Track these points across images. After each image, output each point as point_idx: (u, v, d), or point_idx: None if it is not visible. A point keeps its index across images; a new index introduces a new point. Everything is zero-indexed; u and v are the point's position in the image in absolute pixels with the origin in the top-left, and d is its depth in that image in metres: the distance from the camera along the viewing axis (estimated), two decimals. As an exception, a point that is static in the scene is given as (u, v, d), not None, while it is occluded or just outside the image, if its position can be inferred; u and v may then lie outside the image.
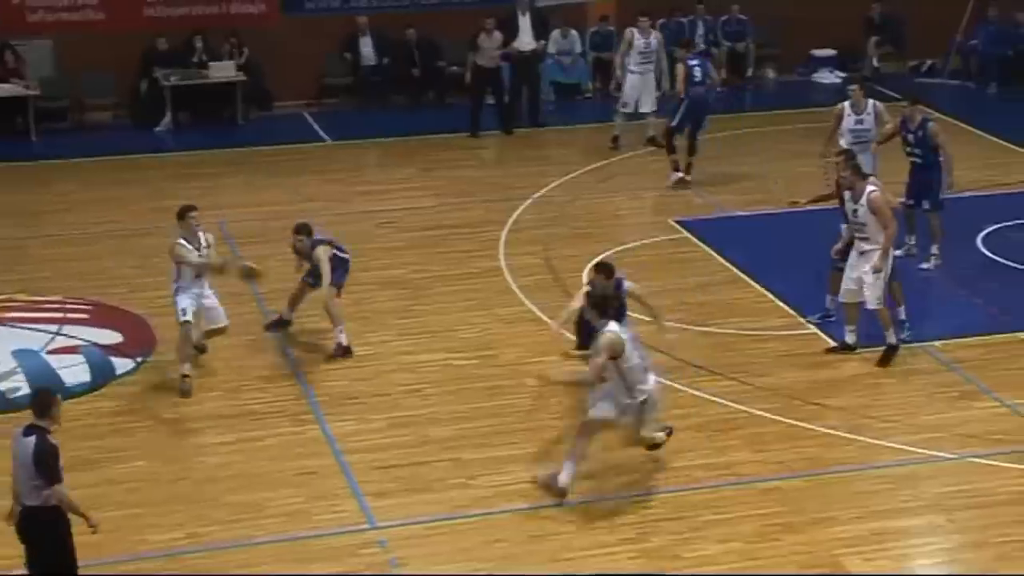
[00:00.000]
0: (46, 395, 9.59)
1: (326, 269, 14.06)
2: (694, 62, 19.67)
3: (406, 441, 12.69)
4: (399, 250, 17.38)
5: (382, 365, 14.26)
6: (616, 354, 11.26)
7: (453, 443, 12.63)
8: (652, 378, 11.66)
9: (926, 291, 15.82)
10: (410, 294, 16.02)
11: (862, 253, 13.87)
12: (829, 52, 25.30)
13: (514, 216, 18.39)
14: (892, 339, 14.07)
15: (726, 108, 23.44)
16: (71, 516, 9.47)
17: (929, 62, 25.53)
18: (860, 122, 16.80)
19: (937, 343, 14.51)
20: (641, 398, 11.43)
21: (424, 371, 14.12)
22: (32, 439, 9.21)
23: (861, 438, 12.72)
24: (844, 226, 14.39)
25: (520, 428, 12.88)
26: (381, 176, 20.67)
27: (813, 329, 14.87)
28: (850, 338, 14.23)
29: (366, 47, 23.56)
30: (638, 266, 16.63)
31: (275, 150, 21.69)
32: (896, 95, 22.36)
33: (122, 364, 14.22)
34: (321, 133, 22.64)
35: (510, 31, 22.17)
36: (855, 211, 13.79)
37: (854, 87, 17.08)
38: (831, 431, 12.81)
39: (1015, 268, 16.31)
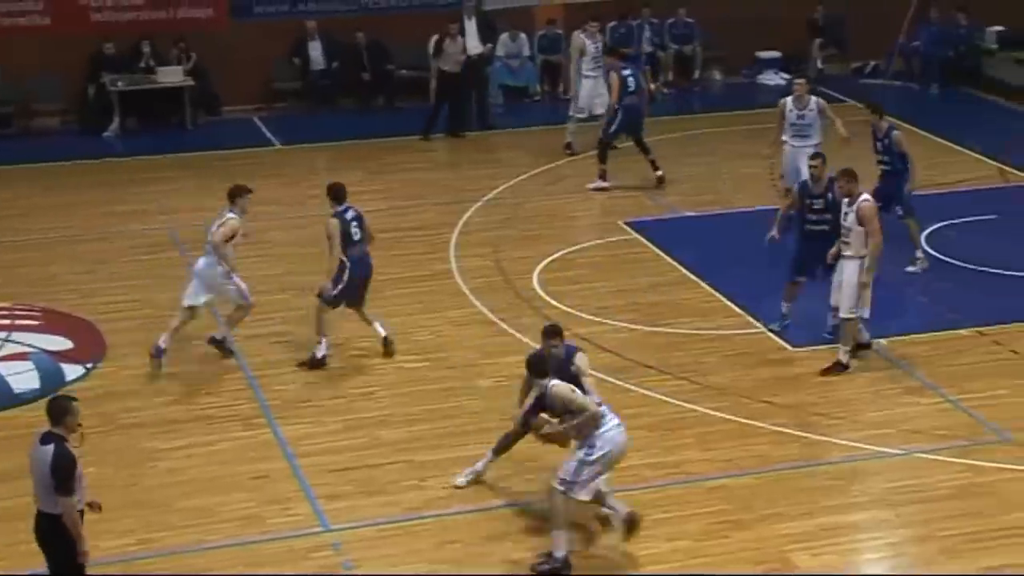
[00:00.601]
0: (60, 402, 9.38)
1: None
2: (628, 71, 19.72)
3: (359, 444, 12.69)
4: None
5: (335, 368, 14.24)
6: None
7: (406, 445, 12.63)
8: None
9: (871, 289, 15.92)
10: (362, 297, 15.99)
11: (844, 257, 13.84)
12: (774, 54, 25.48)
13: (464, 218, 18.42)
14: (843, 358, 13.90)
15: (674, 110, 23.63)
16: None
17: (872, 63, 25.75)
18: (801, 116, 17.06)
19: (883, 341, 14.63)
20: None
21: (377, 374, 14.12)
22: (50, 447, 9.10)
23: (809, 435, 12.83)
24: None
25: (472, 430, 12.89)
26: (332, 179, 20.56)
27: (761, 328, 14.97)
28: (843, 357, 13.91)
29: (315, 51, 23.51)
30: (589, 267, 16.77)
31: (225, 154, 21.59)
32: (840, 96, 22.67)
33: (72, 371, 14.14)
34: (271, 137, 22.58)
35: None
36: (845, 215, 13.73)
37: (800, 81, 17.32)
38: (779, 429, 12.91)
39: (958, 266, 16.48)
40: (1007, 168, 20.11)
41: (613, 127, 19.49)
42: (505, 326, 15.08)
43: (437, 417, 13.16)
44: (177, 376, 13.97)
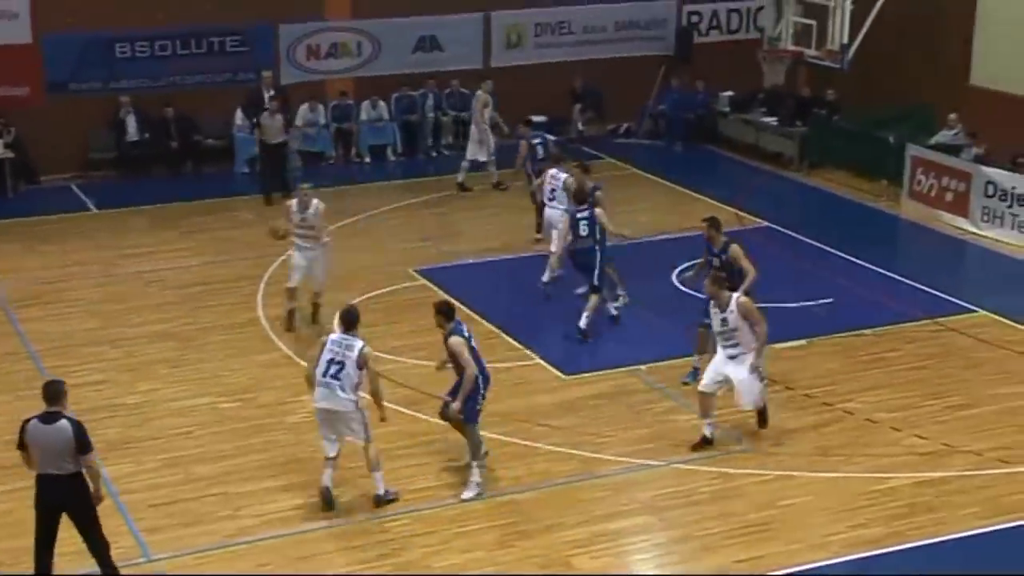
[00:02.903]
0: (57, 385, 10.13)
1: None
2: (536, 140, 19.88)
3: (177, 479, 12.34)
4: (166, 305, 16.94)
5: (153, 411, 13.84)
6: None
7: (220, 479, 12.33)
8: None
9: (631, 321, 16.19)
10: (177, 345, 15.61)
11: (732, 357, 12.66)
12: (541, 118, 25.73)
13: (269, 271, 18.11)
14: (707, 432, 12.95)
15: (455, 169, 23.68)
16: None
17: (625, 125, 26.25)
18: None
19: (643, 367, 14.86)
20: None
21: (192, 415, 13.76)
22: (64, 422, 9.94)
23: (582, 453, 12.93)
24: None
25: (282, 462, 12.68)
26: (147, 239, 20.06)
27: (538, 360, 15.07)
28: (707, 431, 12.91)
29: (130, 124, 22.91)
30: (384, 311, 16.65)
31: (45, 219, 20.80)
32: (599, 154, 23.09)
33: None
34: (88, 203, 21.86)
35: (258, 107, 21.91)
36: (723, 320, 12.66)
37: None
38: (556, 448, 12.98)
39: (702, 299, 16.75)
40: (741, 212, 20.71)
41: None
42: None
43: (249, 452, 12.89)
44: (2, 423, 13.35)
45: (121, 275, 18.14)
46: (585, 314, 15.55)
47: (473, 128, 22.48)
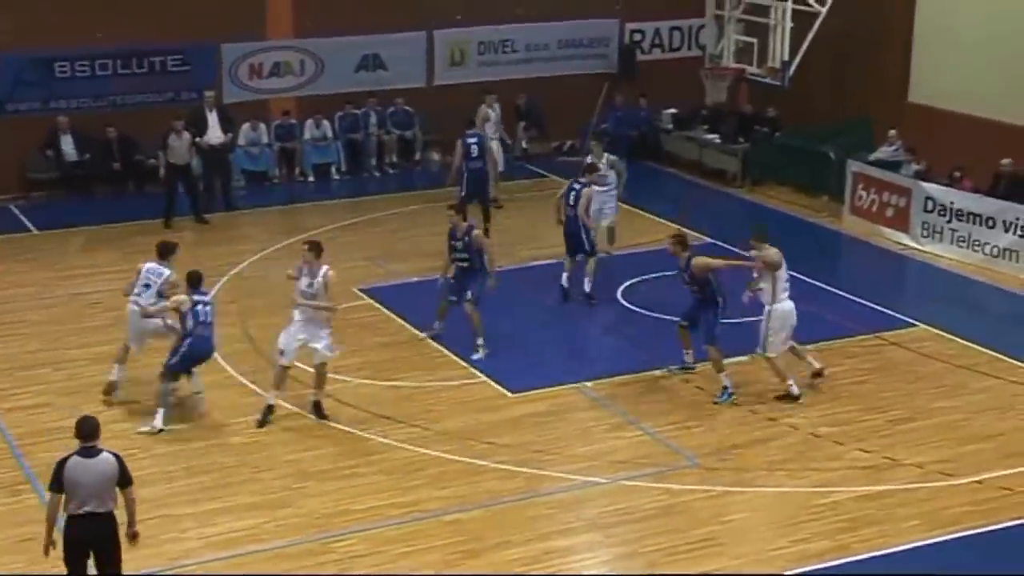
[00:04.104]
0: (93, 420, 10.11)
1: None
2: (472, 140, 20.06)
3: (121, 502, 12.18)
4: (106, 327, 16.76)
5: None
6: None
7: (164, 501, 12.25)
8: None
9: (576, 338, 16.26)
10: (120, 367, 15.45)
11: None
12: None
13: (213, 292, 17.98)
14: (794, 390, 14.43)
15: (397, 188, 23.74)
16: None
17: (569, 143, 26.38)
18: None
19: (589, 383, 14.93)
20: None
21: (135, 437, 13.64)
22: (106, 455, 9.92)
23: (528, 470, 12.97)
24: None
25: (226, 483, 12.62)
26: (87, 261, 19.90)
27: (483, 378, 15.10)
28: (794, 389, 14.47)
29: (67, 144, 22.73)
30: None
31: (-18, 240, 20.65)
32: (542, 172, 23.21)
33: None
34: (28, 224, 21.66)
35: (200, 126, 21.83)
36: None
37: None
38: (502, 466, 13.02)
39: (648, 315, 16.96)
40: (685, 229, 20.81)
41: (463, 190, 19.90)
42: (254, 387, 14.80)
43: (194, 473, 12.81)
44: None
45: (62, 296, 18.00)
46: (587, 279, 17.09)
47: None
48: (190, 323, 13.84)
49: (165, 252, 14.61)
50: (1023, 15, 21.22)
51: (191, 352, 13.85)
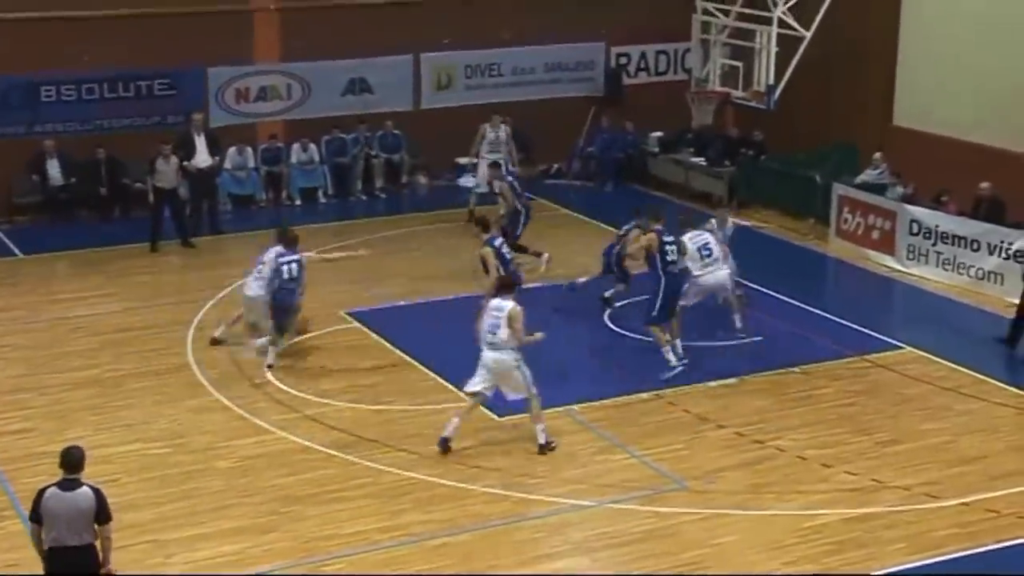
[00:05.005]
0: (78, 451, 9.89)
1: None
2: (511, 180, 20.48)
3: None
4: (92, 351, 16.77)
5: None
6: None
7: (150, 526, 12.20)
8: None
9: (563, 362, 16.26)
10: (104, 392, 15.46)
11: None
12: (471, 160, 25.85)
13: (199, 315, 18.02)
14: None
15: (385, 211, 23.77)
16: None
17: (555, 166, 26.46)
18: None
19: (576, 407, 14.94)
20: None
21: (121, 462, 13.60)
22: (85, 489, 9.71)
23: (516, 494, 12.95)
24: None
25: (213, 507, 12.58)
26: (72, 285, 19.87)
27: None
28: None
29: (53, 168, 22.71)
30: (316, 354, 16.62)
31: (-32, 265, 20.60)
32: (531, 196, 23.16)
33: None
34: (13, 248, 21.63)
35: (188, 150, 21.83)
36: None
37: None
38: (489, 489, 13.00)
39: (634, 338, 16.95)
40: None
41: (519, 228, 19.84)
42: (241, 411, 14.79)
43: (179, 498, 12.77)
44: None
45: (47, 321, 17.96)
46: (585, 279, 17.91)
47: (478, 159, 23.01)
48: (276, 281, 15.77)
49: (290, 241, 16.31)
50: (1002, 41, 21.37)
51: (275, 304, 15.86)
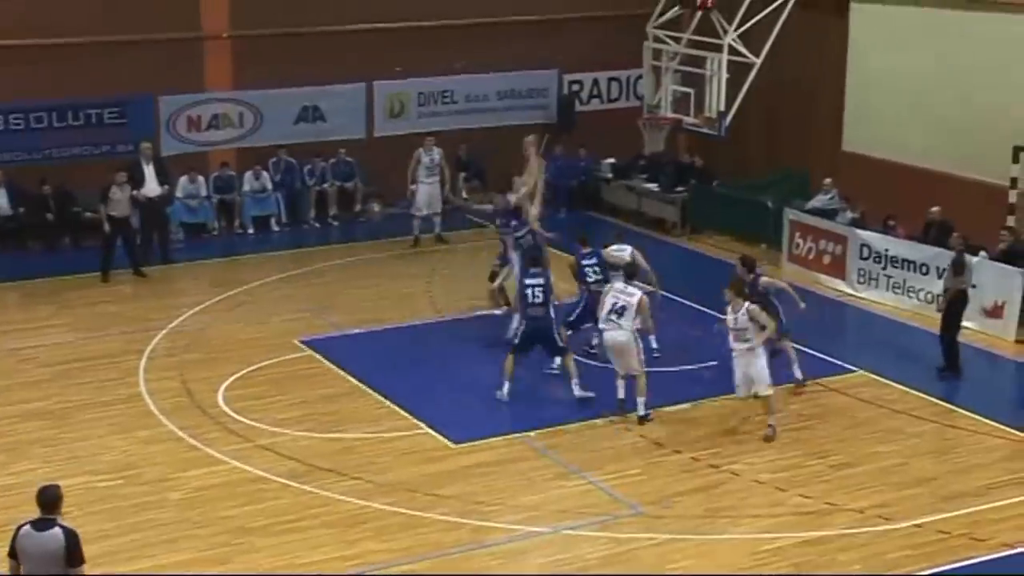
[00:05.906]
0: (54, 490, 9.61)
1: None
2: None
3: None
4: (42, 383, 16.59)
5: (27, 492, 13.36)
6: None
7: (102, 559, 11.99)
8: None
9: (519, 387, 16.24)
10: (53, 423, 15.29)
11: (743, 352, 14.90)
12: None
13: (151, 345, 17.88)
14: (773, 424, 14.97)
15: (338, 239, 23.72)
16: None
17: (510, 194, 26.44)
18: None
19: (532, 433, 14.93)
20: None
21: (69, 495, 13.17)
22: (57, 530, 9.42)
23: (472, 522, 12.91)
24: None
25: (165, 539, 12.45)
26: (20, 315, 19.68)
27: (426, 429, 15.05)
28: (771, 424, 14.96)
29: (1, 198, 22.50)
30: (268, 383, 16.52)
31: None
32: (485, 223, 23.27)
33: None
34: (-40, 278, 21.40)
35: (137, 179, 21.70)
36: (735, 320, 14.86)
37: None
38: (445, 517, 12.95)
39: (591, 364, 16.93)
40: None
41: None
42: (194, 442, 14.67)
43: (130, 531, 12.63)
44: None
45: (-5, 353, 17.78)
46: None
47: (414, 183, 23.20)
48: (522, 305, 15.74)
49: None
50: (945, 69, 21.64)
51: (525, 330, 15.69)
